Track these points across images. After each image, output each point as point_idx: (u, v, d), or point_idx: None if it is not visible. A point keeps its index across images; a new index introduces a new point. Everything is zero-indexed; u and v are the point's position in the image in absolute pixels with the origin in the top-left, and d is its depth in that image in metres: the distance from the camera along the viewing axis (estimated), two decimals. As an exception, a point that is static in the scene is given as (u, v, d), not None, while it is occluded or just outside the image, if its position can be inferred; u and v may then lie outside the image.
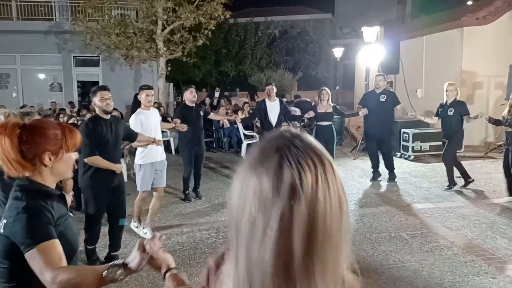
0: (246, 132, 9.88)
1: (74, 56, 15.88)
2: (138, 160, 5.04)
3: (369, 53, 9.92)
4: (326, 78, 26.41)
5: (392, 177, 7.39)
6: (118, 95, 14.93)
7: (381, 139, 7.29)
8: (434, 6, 18.18)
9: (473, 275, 3.95)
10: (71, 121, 8.93)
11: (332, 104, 7.24)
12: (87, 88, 17.29)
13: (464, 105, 6.56)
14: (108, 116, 4.12)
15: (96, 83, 16.65)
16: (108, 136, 4.10)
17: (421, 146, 9.26)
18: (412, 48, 12.78)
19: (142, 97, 5.05)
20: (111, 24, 13.28)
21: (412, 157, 9.26)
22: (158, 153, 5.09)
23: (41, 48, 15.12)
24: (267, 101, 7.11)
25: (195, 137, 6.28)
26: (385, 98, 7.12)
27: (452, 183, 6.76)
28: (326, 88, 7.35)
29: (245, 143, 9.69)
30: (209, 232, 5.17)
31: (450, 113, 6.55)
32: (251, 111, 8.78)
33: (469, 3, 16.32)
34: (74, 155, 1.68)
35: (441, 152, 7.00)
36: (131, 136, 4.53)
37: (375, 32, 9.76)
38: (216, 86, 17.80)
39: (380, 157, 7.53)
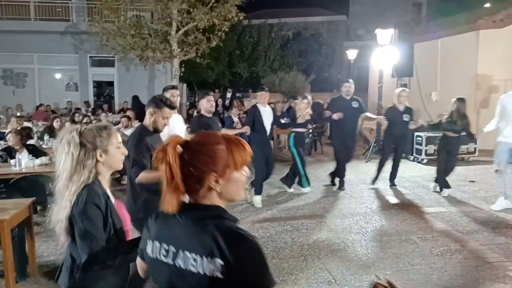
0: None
1: (90, 57, 16.14)
2: None
3: (383, 55, 9.86)
4: (339, 80, 26.29)
5: (340, 185, 7.28)
6: (132, 95, 15.15)
7: (348, 146, 7.24)
8: (450, 8, 17.98)
9: (484, 280, 3.91)
10: (85, 120, 9.08)
11: (310, 113, 7.13)
12: (102, 88, 17.56)
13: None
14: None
15: (111, 83, 16.92)
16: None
17: (434, 150, 9.17)
18: (427, 50, 12.67)
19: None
20: (126, 25, 13.46)
21: (425, 161, 9.18)
22: None
23: (58, 48, 15.40)
24: (260, 106, 6.40)
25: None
26: (357, 104, 7.05)
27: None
28: (308, 96, 7.24)
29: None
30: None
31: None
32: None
33: (486, 5, 16.09)
34: (246, 172, 1.37)
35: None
36: None
37: (389, 34, 9.70)
38: (229, 87, 17.90)
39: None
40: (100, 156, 1.92)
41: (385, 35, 9.66)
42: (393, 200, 6.63)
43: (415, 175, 8.11)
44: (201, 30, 13.86)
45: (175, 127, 4.36)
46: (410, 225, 5.44)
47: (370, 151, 9.74)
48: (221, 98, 14.75)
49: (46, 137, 8.00)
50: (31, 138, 7.65)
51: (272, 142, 7.88)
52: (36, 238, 4.42)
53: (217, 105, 12.85)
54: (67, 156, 1.87)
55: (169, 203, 1.27)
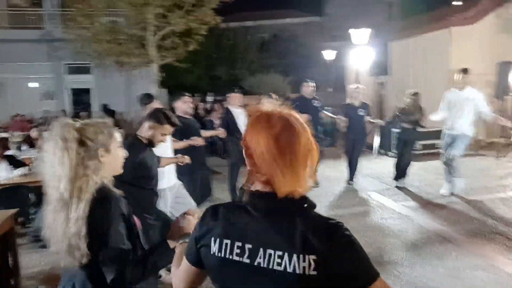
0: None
1: (65, 64, 15.89)
2: None
3: (358, 55, 10.04)
4: (318, 80, 26.58)
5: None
6: (111, 102, 15.01)
7: None
8: (421, 7, 18.43)
9: (464, 269, 4.04)
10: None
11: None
12: (79, 96, 17.30)
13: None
14: None
15: (88, 90, 16.69)
16: None
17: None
18: (402, 49, 12.96)
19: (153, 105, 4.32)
20: (101, 31, 13.31)
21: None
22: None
23: (32, 56, 15.11)
24: (232, 108, 6.44)
25: (198, 161, 5.09)
26: (318, 103, 7.27)
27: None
28: (273, 96, 7.26)
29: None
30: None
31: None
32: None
33: (456, 3, 16.56)
34: None
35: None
36: None
37: (364, 34, 9.89)
38: (208, 90, 17.90)
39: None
40: (102, 156, 1.61)
41: (360, 35, 9.84)
42: (373, 195, 6.76)
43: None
44: (178, 34, 13.83)
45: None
46: (392, 219, 5.57)
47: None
48: (202, 102, 14.74)
49: (24, 147, 7.86)
50: (8, 149, 7.50)
51: None
52: (20, 250, 4.35)
53: (198, 109, 12.84)
54: (63, 155, 1.51)
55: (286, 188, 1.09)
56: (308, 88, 7.26)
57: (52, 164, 1.53)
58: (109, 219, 1.52)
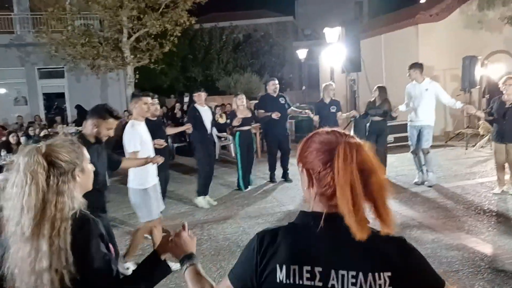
0: (219, 134, 10.11)
1: (38, 69, 15.64)
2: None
3: (331, 53, 10.36)
4: (292, 79, 27.00)
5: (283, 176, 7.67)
6: (85, 106, 14.86)
7: (281, 140, 7.57)
8: (389, 5, 19.02)
9: (441, 249, 4.35)
10: (42, 133, 8.91)
11: (249, 109, 7.41)
12: (52, 101, 17.05)
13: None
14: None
15: (62, 94, 16.48)
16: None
17: (393, 138, 9.65)
18: (372, 46, 13.40)
19: (136, 104, 4.19)
20: (75, 34, 13.20)
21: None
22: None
23: (2, 62, 14.82)
24: (198, 107, 6.51)
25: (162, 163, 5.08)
26: (284, 100, 7.48)
27: None
28: (241, 94, 7.39)
29: (218, 145, 9.92)
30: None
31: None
32: (223, 114, 8.78)
33: (422, 1, 17.19)
34: None
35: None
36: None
37: (337, 32, 10.21)
38: (184, 91, 17.91)
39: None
40: (78, 177, 1.48)
41: (332, 33, 10.16)
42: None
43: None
44: (153, 36, 13.85)
45: (143, 134, 4.15)
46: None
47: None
48: (178, 103, 14.78)
49: (3, 153, 7.80)
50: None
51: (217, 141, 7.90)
52: None
53: (174, 109, 12.92)
54: (30, 186, 1.35)
55: (361, 229, 1.06)
56: (273, 86, 7.49)
57: (17, 196, 1.36)
58: (91, 243, 1.43)
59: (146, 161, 3.73)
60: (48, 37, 13.13)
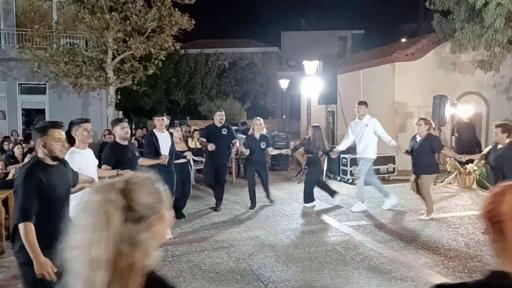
0: (196, 158, 10.18)
1: (19, 84, 15.61)
2: None
3: (310, 85, 10.67)
4: (274, 107, 27.42)
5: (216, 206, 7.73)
6: (65, 123, 14.81)
7: (220, 169, 7.69)
8: (370, 43, 19.73)
9: (396, 280, 4.48)
10: (16, 148, 8.85)
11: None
12: (31, 116, 16.94)
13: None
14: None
15: (42, 111, 16.40)
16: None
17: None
18: (351, 80, 13.84)
19: (77, 132, 3.99)
20: (59, 52, 13.29)
21: (350, 180, 9.95)
22: None
23: (-16, 75, 14.77)
24: (156, 132, 6.39)
25: None
26: (226, 131, 7.69)
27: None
28: (178, 126, 7.60)
29: (194, 168, 9.98)
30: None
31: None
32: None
33: (402, 40, 17.91)
34: None
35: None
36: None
37: (315, 65, 10.56)
38: (167, 114, 18.03)
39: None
40: (155, 225, 1.14)
41: (311, 66, 10.50)
42: (323, 216, 7.19)
43: (342, 193, 8.78)
44: (137, 59, 14.03)
45: (88, 164, 4.02)
46: (335, 237, 6.00)
47: (302, 173, 10.37)
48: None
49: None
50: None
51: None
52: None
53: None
54: (102, 233, 1.06)
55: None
56: (218, 117, 7.67)
57: (86, 245, 1.07)
58: None
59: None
60: (32, 53, 13.19)
